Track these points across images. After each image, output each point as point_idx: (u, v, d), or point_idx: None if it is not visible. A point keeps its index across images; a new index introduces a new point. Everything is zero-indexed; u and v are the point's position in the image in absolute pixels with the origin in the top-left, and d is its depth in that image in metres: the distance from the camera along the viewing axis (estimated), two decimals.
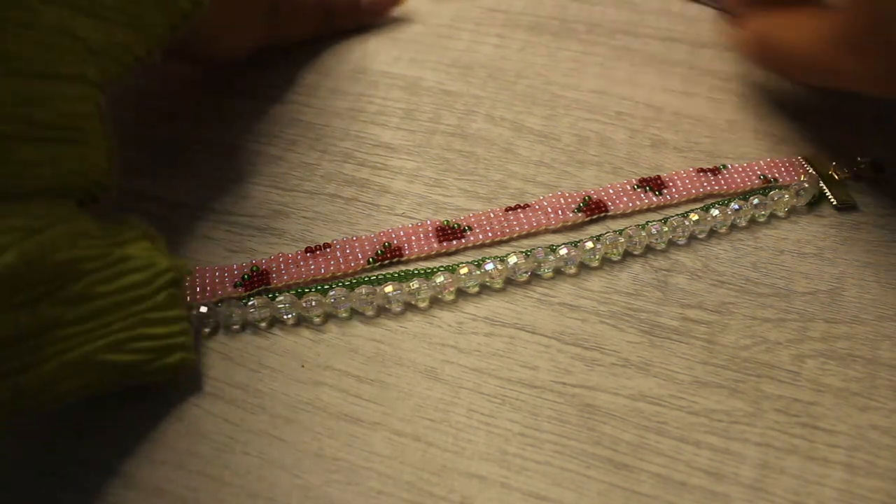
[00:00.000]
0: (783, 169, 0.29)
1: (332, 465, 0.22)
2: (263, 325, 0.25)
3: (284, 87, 0.33)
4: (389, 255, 0.26)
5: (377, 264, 0.26)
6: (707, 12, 0.36)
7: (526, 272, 0.26)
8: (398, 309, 0.25)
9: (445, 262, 0.26)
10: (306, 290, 0.25)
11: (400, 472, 0.22)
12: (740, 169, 0.29)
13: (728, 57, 0.34)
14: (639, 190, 0.28)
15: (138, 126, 0.31)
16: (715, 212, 0.27)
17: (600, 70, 0.34)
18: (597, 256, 0.26)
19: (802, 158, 0.29)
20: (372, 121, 0.32)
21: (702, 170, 0.29)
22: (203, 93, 0.33)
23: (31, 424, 0.23)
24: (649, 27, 0.36)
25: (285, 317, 0.25)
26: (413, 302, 0.25)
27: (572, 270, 0.26)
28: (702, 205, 0.28)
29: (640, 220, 0.27)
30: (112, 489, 0.21)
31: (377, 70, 0.34)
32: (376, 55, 0.35)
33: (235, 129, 0.31)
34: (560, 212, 0.27)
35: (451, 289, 0.25)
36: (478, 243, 0.27)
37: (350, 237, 0.27)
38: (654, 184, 0.28)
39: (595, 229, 0.27)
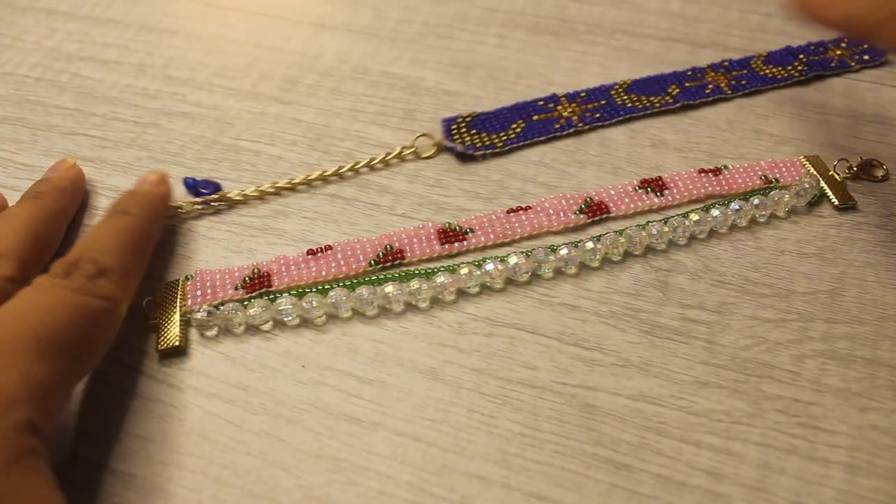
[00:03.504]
0: (784, 169, 0.29)
1: (333, 465, 0.22)
2: (265, 326, 0.25)
3: (284, 88, 0.33)
4: (391, 257, 0.26)
5: (379, 266, 0.26)
6: (707, 12, 0.36)
7: (526, 272, 0.26)
8: (399, 309, 0.25)
9: (446, 262, 0.26)
10: (307, 291, 0.25)
11: (400, 472, 0.22)
12: (741, 169, 0.29)
13: (728, 57, 0.34)
14: (640, 191, 0.28)
15: (136, 126, 0.31)
16: (715, 212, 0.27)
17: (600, 70, 0.34)
18: (597, 257, 0.26)
19: (803, 158, 0.29)
20: (372, 121, 0.32)
21: (703, 170, 0.29)
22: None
23: None
24: (649, 27, 0.36)
25: (286, 319, 0.25)
26: (414, 302, 0.25)
27: (573, 271, 0.26)
28: (702, 205, 0.28)
29: (641, 220, 0.27)
30: (112, 489, 0.21)
31: (377, 70, 0.34)
32: (376, 55, 0.34)
33: (236, 130, 0.31)
34: (562, 213, 0.27)
35: (452, 289, 0.25)
36: (479, 246, 0.27)
37: (352, 239, 0.27)
38: (655, 185, 0.28)
39: (595, 229, 0.27)
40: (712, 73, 0.33)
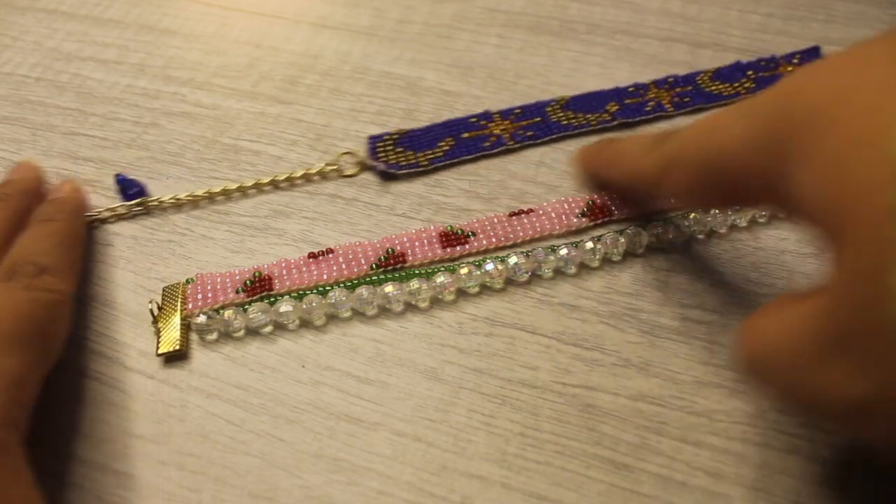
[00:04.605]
0: None
1: (333, 465, 0.22)
2: (265, 329, 0.25)
3: (284, 88, 0.33)
4: (393, 261, 0.26)
5: (380, 271, 0.26)
6: (707, 12, 0.36)
7: (526, 272, 0.26)
8: (399, 309, 0.25)
9: (446, 261, 0.26)
10: (307, 293, 0.25)
11: (400, 472, 0.22)
12: None
13: (727, 57, 0.34)
14: None
15: (136, 126, 0.31)
16: (716, 212, 0.27)
17: (600, 70, 0.34)
18: (597, 257, 0.26)
19: None
20: (372, 121, 0.32)
21: None
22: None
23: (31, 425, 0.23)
24: (649, 27, 0.36)
25: (286, 323, 0.25)
26: (413, 302, 0.25)
27: (572, 271, 0.26)
28: None
29: (642, 220, 0.27)
30: (112, 489, 0.21)
31: (377, 70, 0.34)
32: (376, 55, 0.35)
33: (236, 130, 0.31)
34: (564, 216, 0.27)
35: (452, 289, 0.25)
36: (482, 249, 0.27)
37: (353, 242, 0.27)
38: None
39: (596, 230, 0.27)
40: (655, 90, 0.32)
